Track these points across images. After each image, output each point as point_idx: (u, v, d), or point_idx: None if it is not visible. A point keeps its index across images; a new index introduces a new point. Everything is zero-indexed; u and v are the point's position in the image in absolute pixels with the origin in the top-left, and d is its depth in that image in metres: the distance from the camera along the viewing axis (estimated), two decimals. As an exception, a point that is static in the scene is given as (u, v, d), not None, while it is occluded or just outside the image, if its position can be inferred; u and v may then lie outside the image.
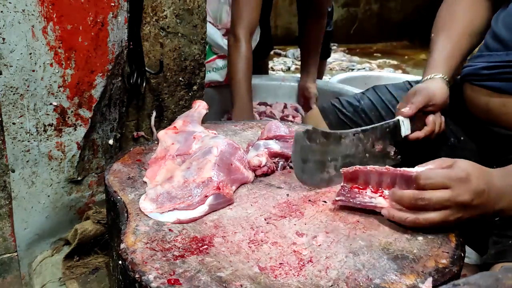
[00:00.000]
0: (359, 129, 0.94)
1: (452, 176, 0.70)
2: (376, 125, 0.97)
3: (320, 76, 2.62)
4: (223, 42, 1.89)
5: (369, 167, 0.78)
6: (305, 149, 0.85)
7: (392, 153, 0.99)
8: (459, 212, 0.70)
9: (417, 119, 1.03)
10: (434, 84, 1.02)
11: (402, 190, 0.73)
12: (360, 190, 0.79)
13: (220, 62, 1.99)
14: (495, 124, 0.99)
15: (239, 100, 1.61)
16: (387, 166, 0.78)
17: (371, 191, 0.78)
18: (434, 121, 1.02)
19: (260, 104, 2.23)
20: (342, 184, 0.80)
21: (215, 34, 1.88)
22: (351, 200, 0.78)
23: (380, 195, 0.77)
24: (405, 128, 1.00)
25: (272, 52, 3.98)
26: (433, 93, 1.00)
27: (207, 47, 1.89)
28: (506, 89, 0.94)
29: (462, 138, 1.12)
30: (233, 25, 1.72)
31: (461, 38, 1.07)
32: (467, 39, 1.08)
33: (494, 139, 1.02)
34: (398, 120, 1.00)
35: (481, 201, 0.70)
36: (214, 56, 1.98)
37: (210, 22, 1.92)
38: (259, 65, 2.65)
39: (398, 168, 0.77)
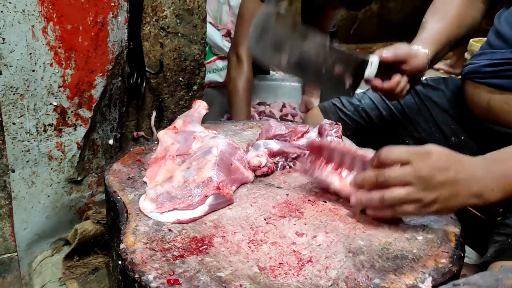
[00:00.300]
0: (328, 42, 0.92)
1: (411, 151, 0.69)
2: (346, 51, 0.96)
3: None
4: (223, 43, 1.89)
5: (333, 144, 0.79)
6: (268, 24, 0.84)
7: (347, 85, 0.97)
8: (424, 190, 0.68)
9: (384, 73, 1.01)
10: (417, 51, 1.01)
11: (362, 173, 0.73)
12: (321, 166, 0.79)
13: (220, 63, 1.99)
14: (496, 122, 0.99)
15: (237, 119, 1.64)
16: (349, 146, 0.78)
17: (332, 169, 0.79)
18: (398, 81, 0.99)
19: (259, 104, 2.22)
20: (306, 154, 0.81)
21: (215, 35, 1.88)
22: (309, 173, 0.79)
23: (338, 176, 0.78)
24: (370, 70, 0.98)
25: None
26: (414, 55, 0.99)
27: (207, 48, 1.90)
28: (508, 86, 0.95)
29: (462, 137, 1.13)
30: (235, 44, 1.72)
31: (452, 25, 1.07)
32: (456, 29, 1.08)
33: (494, 138, 1.02)
34: (368, 59, 0.98)
35: (445, 179, 0.68)
36: (214, 57, 1.98)
37: (210, 22, 1.92)
38: (260, 66, 2.65)
39: (360, 150, 0.77)
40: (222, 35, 1.97)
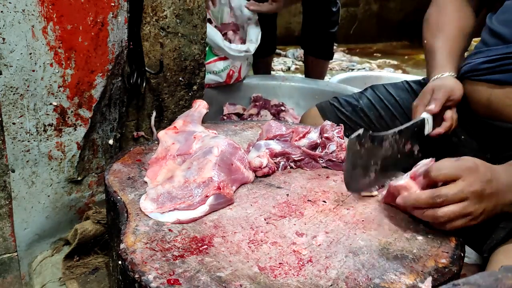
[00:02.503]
0: (396, 129, 0.92)
1: (461, 166, 0.72)
2: (407, 124, 0.97)
3: (322, 76, 2.62)
4: (224, 44, 1.89)
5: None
6: (356, 155, 0.83)
7: (416, 152, 0.98)
8: (476, 203, 0.71)
9: (436, 116, 1.04)
10: (448, 81, 1.04)
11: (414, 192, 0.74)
12: None
13: (221, 65, 1.98)
14: (497, 118, 1.00)
15: None
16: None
17: None
18: (452, 117, 1.03)
19: (258, 104, 2.21)
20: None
21: (215, 36, 1.88)
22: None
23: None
24: (429, 126, 1.02)
25: (272, 52, 3.97)
26: (451, 88, 1.02)
27: (207, 48, 1.89)
28: (508, 80, 0.96)
29: (462, 136, 1.13)
30: None
31: (456, 38, 1.11)
32: (461, 40, 1.11)
33: (495, 135, 1.03)
34: (424, 118, 1.00)
35: (492, 191, 0.71)
36: (215, 58, 1.97)
37: (210, 23, 1.91)
38: (262, 64, 2.65)
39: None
40: (222, 34, 1.96)
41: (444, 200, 0.70)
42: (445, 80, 1.04)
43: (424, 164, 0.76)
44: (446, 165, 0.72)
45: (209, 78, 1.95)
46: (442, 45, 1.10)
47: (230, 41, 1.96)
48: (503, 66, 0.97)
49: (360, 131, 0.83)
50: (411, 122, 0.98)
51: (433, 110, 1.00)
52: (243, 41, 1.96)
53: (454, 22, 1.12)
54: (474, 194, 0.71)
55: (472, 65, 1.04)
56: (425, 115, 1.01)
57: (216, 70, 1.96)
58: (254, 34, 1.94)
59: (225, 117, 2.06)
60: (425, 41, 1.15)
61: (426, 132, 1.01)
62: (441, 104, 1.01)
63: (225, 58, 1.95)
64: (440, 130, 1.03)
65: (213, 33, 1.87)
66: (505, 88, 0.97)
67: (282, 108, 2.12)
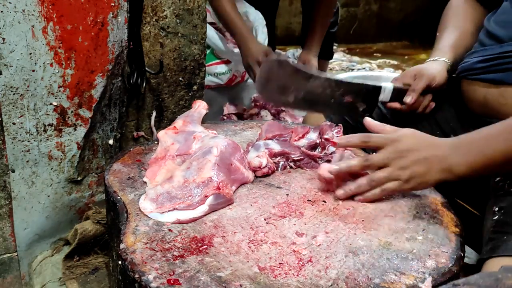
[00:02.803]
0: (333, 77, 1.00)
1: (385, 138, 0.83)
2: (353, 82, 1.03)
3: None
4: (228, 47, 1.88)
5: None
6: (272, 72, 0.94)
7: (361, 109, 1.04)
8: (399, 169, 0.80)
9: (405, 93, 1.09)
10: (435, 66, 1.08)
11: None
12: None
13: (223, 68, 1.97)
14: (493, 116, 1.01)
15: (239, 33, 1.66)
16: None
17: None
18: (422, 101, 1.08)
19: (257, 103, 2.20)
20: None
21: (217, 38, 1.88)
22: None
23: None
24: (384, 95, 1.04)
25: (272, 52, 3.97)
26: (433, 76, 1.06)
27: (209, 50, 1.89)
28: (502, 79, 0.97)
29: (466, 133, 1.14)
30: None
31: (466, 33, 1.14)
32: (471, 36, 1.14)
33: None
34: (381, 86, 1.04)
35: (417, 158, 0.80)
36: (217, 61, 1.97)
37: (211, 23, 1.91)
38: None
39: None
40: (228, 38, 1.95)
41: (371, 163, 0.81)
42: (431, 65, 1.08)
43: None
44: (373, 137, 0.84)
45: (210, 79, 1.95)
46: (449, 34, 1.14)
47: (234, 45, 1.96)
48: (497, 65, 0.98)
49: (284, 59, 0.96)
50: (362, 81, 1.04)
51: (409, 103, 1.06)
52: None
53: (468, 21, 1.15)
54: (394, 161, 0.80)
55: (468, 64, 1.05)
56: (385, 84, 1.05)
57: (217, 73, 1.96)
58: (261, 40, 1.94)
59: (225, 117, 2.06)
60: (437, 34, 1.19)
61: (380, 99, 1.07)
62: (418, 95, 1.06)
63: (227, 62, 1.95)
64: (395, 105, 1.10)
65: (216, 36, 1.87)
66: (500, 87, 0.98)
67: (282, 108, 2.12)
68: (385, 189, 0.82)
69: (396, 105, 1.10)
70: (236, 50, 1.85)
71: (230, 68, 1.95)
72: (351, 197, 0.84)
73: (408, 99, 1.05)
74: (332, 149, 0.96)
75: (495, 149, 0.78)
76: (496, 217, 0.84)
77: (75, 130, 1.01)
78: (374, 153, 0.84)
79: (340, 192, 0.83)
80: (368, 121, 0.92)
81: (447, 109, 1.16)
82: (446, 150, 0.81)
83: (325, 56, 2.52)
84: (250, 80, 2.12)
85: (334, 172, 0.83)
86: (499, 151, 0.77)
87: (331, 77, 0.99)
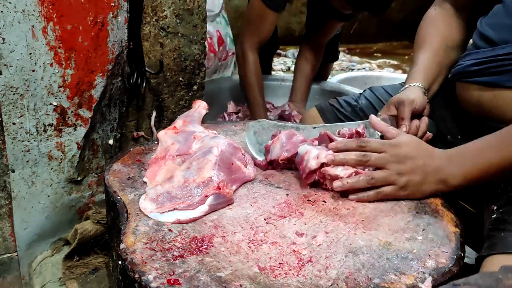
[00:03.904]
0: (321, 125, 1.00)
1: (386, 143, 0.85)
2: (343, 123, 1.02)
3: (325, 78, 2.62)
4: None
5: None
6: (259, 133, 0.98)
7: None
8: (397, 174, 0.82)
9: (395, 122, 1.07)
10: (412, 92, 1.08)
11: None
12: None
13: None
14: (487, 119, 1.01)
15: (256, 112, 1.83)
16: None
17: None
18: (417, 126, 1.06)
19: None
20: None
21: None
22: None
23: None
24: (371, 134, 1.01)
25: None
26: (412, 100, 1.06)
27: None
28: (495, 82, 0.98)
29: (459, 136, 1.14)
30: (242, 39, 1.83)
31: (438, 51, 1.15)
32: (444, 52, 1.14)
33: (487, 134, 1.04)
34: (365, 124, 1.00)
35: (415, 166, 0.82)
36: None
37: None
38: (262, 64, 2.64)
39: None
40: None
41: (369, 159, 0.82)
42: (408, 92, 1.09)
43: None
44: (372, 141, 0.85)
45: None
46: (421, 57, 1.15)
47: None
48: (490, 68, 0.98)
49: (263, 121, 1.03)
50: (350, 123, 1.03)
51: (405, 131, 1.03)
52: None
53: (440, 36, 1.16)
54: (393, 166, 0.82)
55: (462, 67, 1.05)
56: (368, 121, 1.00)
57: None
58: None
59: (225, 115, 2.06)
60: (412, 53, 1.20)
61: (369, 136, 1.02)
62: (409, 121, 1.05)
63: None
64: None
65: None
66: (493, 90, 0.98)
67: (286, 112, 2.13)
68: (380, 192, 0.83)
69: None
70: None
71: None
72: (348, 195, 0.84)
73: (404, 128, 1.03)
74: None
75: (488, 161, 0.79)
76: (495, 215, 0.85)
77: (75, 130, 1.01)
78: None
79: (337, 183, 0.83)
80: (374, 119, 0.91)
81: (443, 109, 1.17)
82: (442, 162, 0.82)
83: (330, 58, 2.52)
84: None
85: (330, 147, 0.86)
86: (492, 162, 0.79)
87: (318, 125, 1.03)
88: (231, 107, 2.09)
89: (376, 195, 0.83)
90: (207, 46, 1.96)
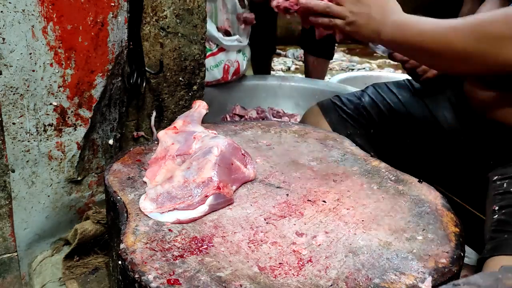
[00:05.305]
0: None
1: None
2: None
3: (322, 76, 2.63)
4: (219, 34, 1.88)
5: None
6: None
7: None
8: (350, 12, 0.97)
9: None
10: None
11: None
12: None
13: (212, 61, 1.93)
14: (493, 119, 1.01)
15: None
16: None
17: None
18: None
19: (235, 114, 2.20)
20: None
21: (210, 26, 1.87)
22: None
23: None
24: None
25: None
26: None
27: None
28: (501, 82, 0.97)
29: (462, 137, 1.14)
30: None
31: None
32: None
33: (494, 136, 1.04)
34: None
35: (362, 11, 0.96)
36: (208, 53, 1.96)
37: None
38: (262, 65, 2.65)
39: None
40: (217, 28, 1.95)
41: (331, 10, 0.99)
42: None
43: None
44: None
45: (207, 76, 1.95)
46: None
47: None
48: None
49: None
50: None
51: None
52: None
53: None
54: (349, 5, 0.97)
55: None
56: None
57: (208, 68, 1.96)
58: (246, 31, 1.95)
59: (228, 116, 2.06)
60: None
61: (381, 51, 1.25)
62: None
63: (217, 53, 1.94)
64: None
65: (209, 26, 1.87)
66: (500, 91, 0.98)
67: (281, 114, 2.13)
68: (332, 21, 1.00)
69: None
70: (227, 38, 1.85)
71: (221, 59, 1.95)
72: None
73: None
74: None
75: (422, 36, 0.91)
76: (496, 216, 0.84)
77: (75, 130, 1.01)
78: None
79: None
80: None
81: (446, 107, 1.17)
82: (386, 18, 0.95)
83: (326, 55, 2.52)
84: (247, 79, 2.13)
85: (303, 2, 1.03)
86: (426, 40, 0.90)
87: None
88: (236, 109, 2.09)
89: (328, 22, 1.01)
90: (221, 73, 1.99)
